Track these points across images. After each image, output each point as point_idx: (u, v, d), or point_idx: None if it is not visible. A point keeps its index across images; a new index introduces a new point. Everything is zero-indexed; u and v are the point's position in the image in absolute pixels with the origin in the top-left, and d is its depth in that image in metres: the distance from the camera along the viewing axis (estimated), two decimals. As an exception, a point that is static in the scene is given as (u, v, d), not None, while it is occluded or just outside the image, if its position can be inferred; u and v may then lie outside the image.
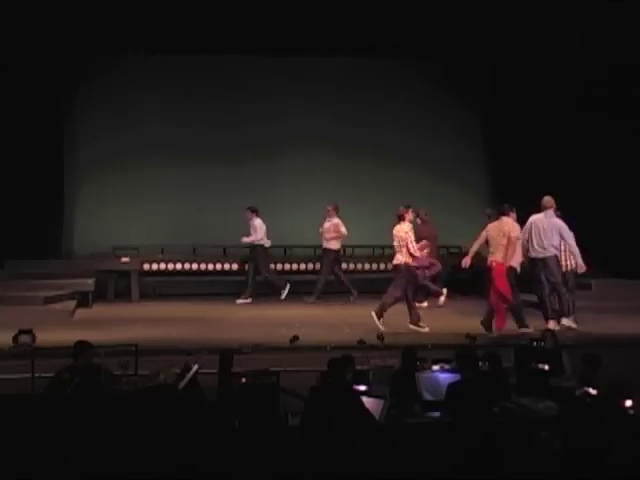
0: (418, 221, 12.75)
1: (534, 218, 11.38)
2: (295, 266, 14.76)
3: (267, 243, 13.93)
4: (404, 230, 11.12)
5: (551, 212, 11.40)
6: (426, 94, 16.57)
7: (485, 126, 16.95)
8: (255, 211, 13.85)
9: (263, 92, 16.03)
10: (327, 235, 13.99)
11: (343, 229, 13.87)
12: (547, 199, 11.45)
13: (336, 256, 14.13)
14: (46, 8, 13.04)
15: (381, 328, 10.50)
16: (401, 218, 11.24)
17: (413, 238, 11.11)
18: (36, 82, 14.80)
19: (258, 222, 13.82)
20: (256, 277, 13.94)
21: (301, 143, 16.06)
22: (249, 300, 13.82)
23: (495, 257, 10.88)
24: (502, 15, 13.84)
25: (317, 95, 16.13)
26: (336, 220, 13.92)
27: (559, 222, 11.34)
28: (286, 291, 13.90)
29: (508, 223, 11.02)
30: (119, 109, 15.72)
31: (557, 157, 15.70)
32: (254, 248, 13.89)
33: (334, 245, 14.01)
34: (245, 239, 13.78)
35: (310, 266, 14.71)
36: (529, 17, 13.81)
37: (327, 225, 13.95)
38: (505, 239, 10.84)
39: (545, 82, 15.71)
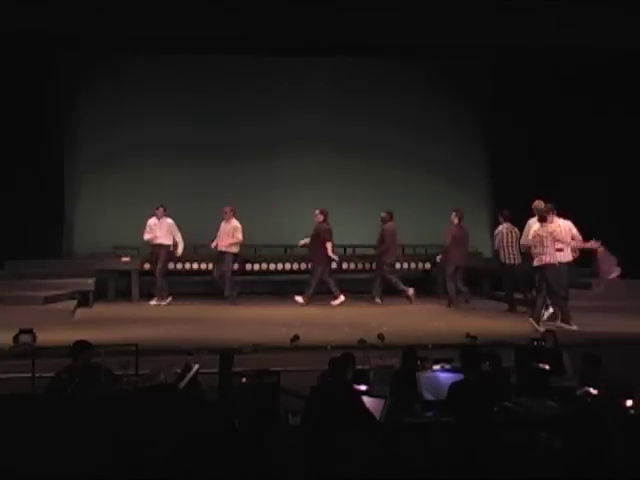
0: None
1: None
2: (296, 266, 14.72)
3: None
4: (551, 229, 11.36)
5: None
6: (427, 94, 16.55)
7: (486, 126, 16.93)
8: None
9: (263, 92, 16.00)
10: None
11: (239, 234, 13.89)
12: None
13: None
14: (46, 8, 13.02)
15: (573, 328, 11.00)
16: (545, 219, 11.47)
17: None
18: (37, 82, 14.79)
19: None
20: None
21: (300, 142, 16.03)
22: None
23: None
24: (502, 14, 13.82)
25: (317, 94, 16.11)
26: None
27: None
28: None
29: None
30: (119, 109, 15.71)
31: (558, 157, 15.69)
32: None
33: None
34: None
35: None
36: (529, 16, 13.79)
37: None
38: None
39: (546, 81, 15.71)
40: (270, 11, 13.49)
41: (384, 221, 13.88)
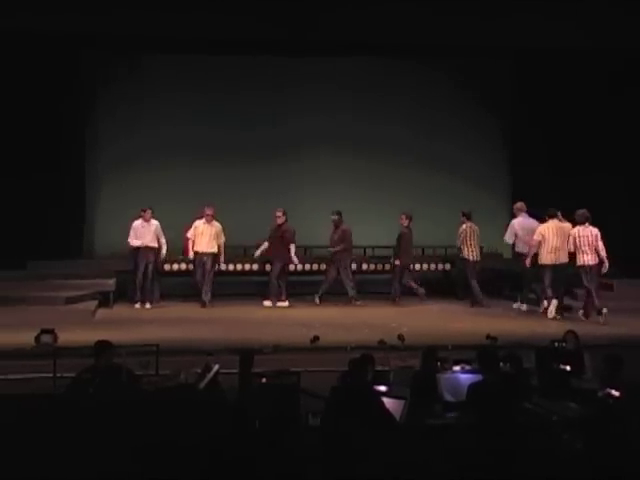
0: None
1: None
2: (315, 266, 14.71)
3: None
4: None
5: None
6: (444, 93, 16.49)
7: (504, 125, 16.85)
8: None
9: (279, 92, 16.00)
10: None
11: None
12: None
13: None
14: (63, 9, 13.10)
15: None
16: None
17: None
18: (58, 83, 14.86)
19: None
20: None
21: (316, 143, 16.00)
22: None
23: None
24: (520, 14, 13.78)
25: (332, 95, 16.07)
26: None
27: None
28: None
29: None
30: (140, 110, 15.75)
31: (576, 155, 15.60)
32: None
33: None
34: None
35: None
36: (547, 17, 13.75)
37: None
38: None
39: (564, 81, 15.62)
40: (286, 11, 13.52)
41: (338, 224, 13.96)
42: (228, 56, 15.68)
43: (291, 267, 14.24)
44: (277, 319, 12.36)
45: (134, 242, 13.58)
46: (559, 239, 12.57)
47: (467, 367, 7.45)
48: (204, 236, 13.74)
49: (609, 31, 13.99)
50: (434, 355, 7.61)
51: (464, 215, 13.96)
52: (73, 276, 13.87)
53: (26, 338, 9.47)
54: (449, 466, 5.33)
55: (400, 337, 8.96)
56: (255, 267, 14.49)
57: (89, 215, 15.77)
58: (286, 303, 13.77)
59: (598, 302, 12.02)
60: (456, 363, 7.57)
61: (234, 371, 7.32)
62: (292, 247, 13.82)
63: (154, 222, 13.70)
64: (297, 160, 16.05)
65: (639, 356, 8.31)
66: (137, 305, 13.46)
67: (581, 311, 12.38)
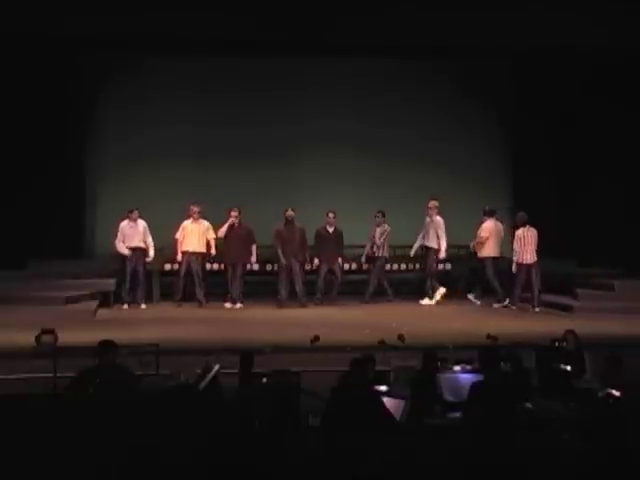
0: None
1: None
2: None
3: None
4: None
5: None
6: (446, 94, 16.47)
7: (505, 126, 16.83)
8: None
9: (281, 94, 15.98)
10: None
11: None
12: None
13: None
14: (66, 9, 13.08)
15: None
16: None
17: None
18: (57, 83, 14.86)
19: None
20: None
21: (318, 144, 15.98)
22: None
23: None
24: (520, 14, 13.75)
25: (335, 96, 16.06)
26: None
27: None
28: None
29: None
30: (140, 110, 15.75)
31: (578, 156, 15.60)
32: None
33: None
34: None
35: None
36: (548, 16, 13.71)
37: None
38: None
39: (565, 81, 15.62)
40: (289, 13, 13.49)
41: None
42: (229, 57, 15.67)
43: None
44: (277, 319, 12.36)
45: (123, 249, 13.57)
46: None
47: (467, 367, 7.46)
48: (193, 235, 13.74)
49: (612, 30, 13.95)
50: (434, 355, 7.61)
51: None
52: (73, 276, 13.86)
53: (26, 338, 9.44)
54: (449, 466, 5.32)
55: (400, 337, 8.95)
56: (255, 267, 14.45)
57: (89, 215, 15.77)
58: (239, 305, 13.69)
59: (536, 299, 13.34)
60: (456, 363, 7.57)
61: (234, 371, 7.32)
62: (254, 248, 13.84)
63: (141, 222, 13.70)
64: (299, 161, 16.05)
65: (639, 356, 8.32)
66: (125, 306, 13.45)
67: (515, 305, 13.49)
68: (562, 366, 7.67)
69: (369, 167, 16.07)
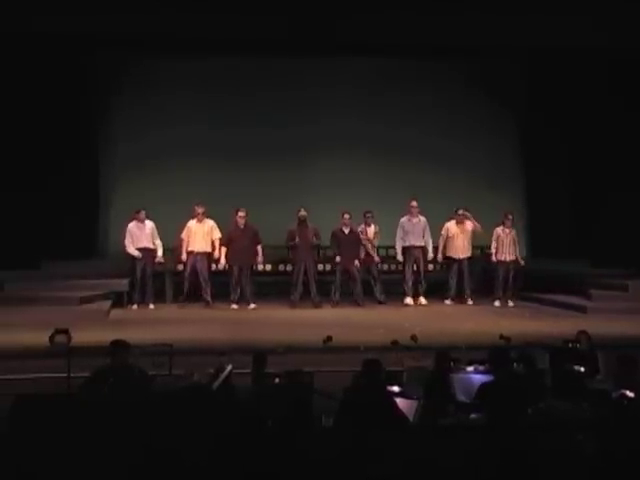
0: None
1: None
2: (329, 267, 14.68)
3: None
4: None
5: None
6: (459, 94, 16.44)
7: (519, 126, 16.80)
8: None
9: (295, 93, 16.01)
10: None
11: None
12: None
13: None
14: (79, 9, 13.13)
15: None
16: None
17: None
18: (72, 85, 14.93)
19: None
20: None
21: (333, 144, 15.98)
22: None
23: None
24: (535, 15, 13.72)
25: (348, 96, 16.07)
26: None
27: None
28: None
29: None
30: (153, 110, 15.78)
31: (592, 157, 15.55)
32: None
33: None
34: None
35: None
36: (562, 16, 13.67)
37: None
38: None
39: (579, 81, 15.55)
40: (301, 12, 13.49)
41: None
42: (243, 57, 15.68)
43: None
44: (291, 319, 12.37)
45: (133, 251, 13.61)
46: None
47: (480, 367, 7.44)
48: (197, 235, 13.73)
49: (627, 29, 13.89)
50: (447, 355, 7.60)
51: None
52: (87, 276, 13.92)
53: (40, 338, 9.47)
54: (462, 466, 5.31)
55: (413, 337, 8.94)
56: (268, 267, 14.46)
57: (103, 215, 15.83)
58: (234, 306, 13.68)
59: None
60: (469, 363, 7.56)
61: (247, 371, 7.33)
62: (260, 248, 13.80)
63: (149, 223, 13.73)
64: (313, 161, 16.06)
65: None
66: (134, 307, 13.49)
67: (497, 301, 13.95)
68: (575, 367, 7.64)
69: (384, 167, 16.06)
